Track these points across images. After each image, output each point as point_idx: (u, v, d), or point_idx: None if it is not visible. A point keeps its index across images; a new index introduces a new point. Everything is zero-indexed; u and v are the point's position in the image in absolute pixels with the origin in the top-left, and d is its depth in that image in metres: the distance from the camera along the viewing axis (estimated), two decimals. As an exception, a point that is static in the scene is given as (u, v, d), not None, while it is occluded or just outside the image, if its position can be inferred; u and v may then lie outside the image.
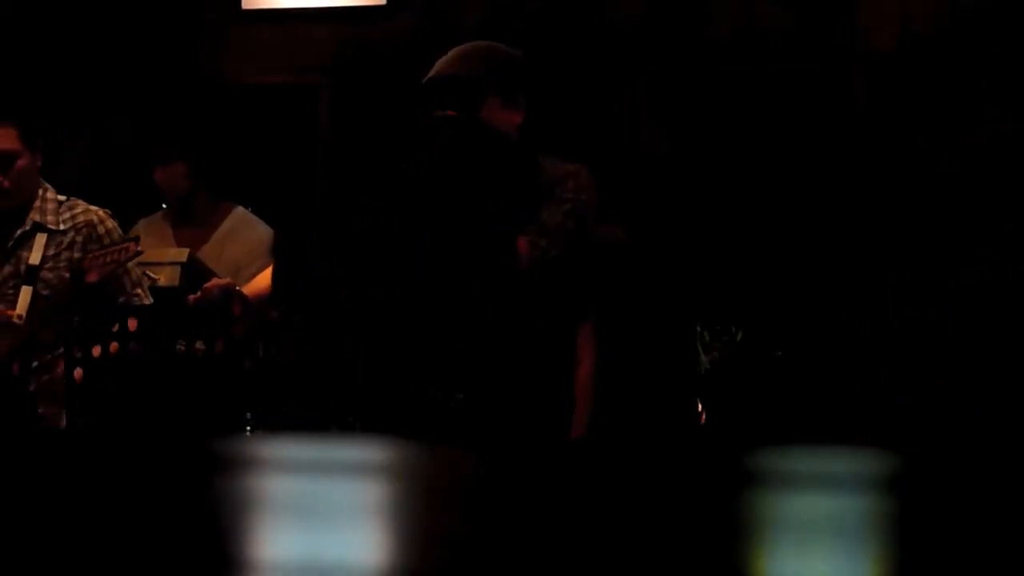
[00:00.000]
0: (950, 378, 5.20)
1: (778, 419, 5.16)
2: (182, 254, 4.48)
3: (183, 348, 3.64)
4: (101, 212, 4.15)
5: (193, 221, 4.75)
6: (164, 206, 4.92)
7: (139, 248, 4.01)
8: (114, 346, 3.60)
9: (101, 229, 4.10)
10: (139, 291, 4.08)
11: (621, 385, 4.24)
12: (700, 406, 4.63)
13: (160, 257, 4.46)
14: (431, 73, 3.56)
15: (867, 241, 5.53)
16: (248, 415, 3.58)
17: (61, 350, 3.84)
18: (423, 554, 1.11)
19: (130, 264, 4.03)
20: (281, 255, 3.38)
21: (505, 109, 3.57)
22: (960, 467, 1.60)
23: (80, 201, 4.15)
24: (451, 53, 3.61)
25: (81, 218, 4.10)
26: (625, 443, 3.60)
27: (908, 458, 1.72)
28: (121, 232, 4.19)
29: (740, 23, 5.72)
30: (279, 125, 6.11)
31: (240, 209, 4.80)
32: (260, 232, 4.68)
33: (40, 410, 4.01)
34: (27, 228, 4.07)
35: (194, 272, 4.41)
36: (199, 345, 3.63)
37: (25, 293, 4.02)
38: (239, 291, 3.90)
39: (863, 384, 5.30)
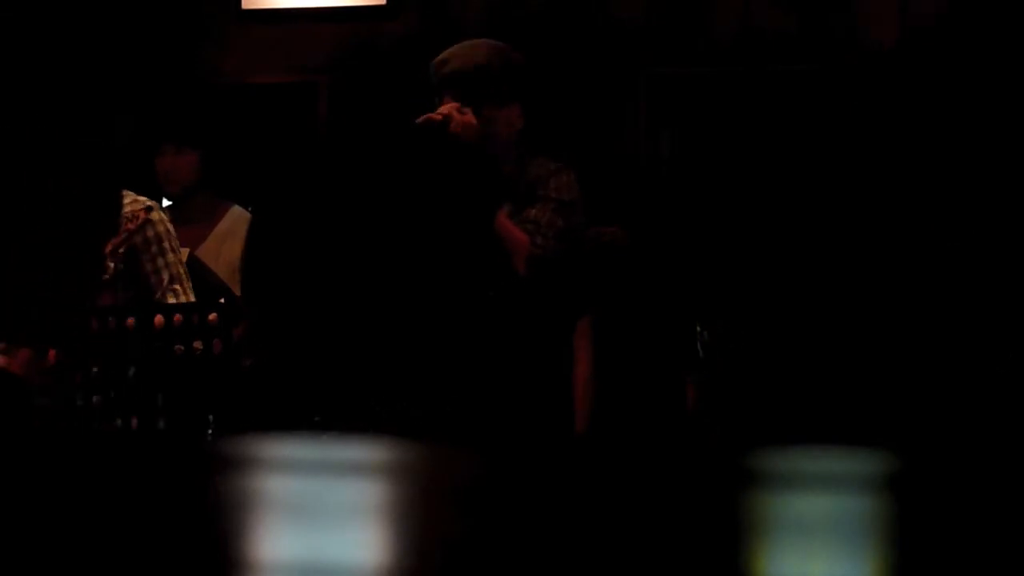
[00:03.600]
0: (952, 378, 5.20)
1: (778, 419, 5.16)
2: (182, 254, 4.48)
3: (181, 348, 3.64)
4: (147, 203, 4.10)
5: (192, 220, 4.74)
6: (165, 204, 4.91)
7: (150, 217, 4.01)
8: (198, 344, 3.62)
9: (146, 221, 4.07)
10: (176, 287, 4.04)
11: (620, 384, 4.24)
12: (696, 401, 4.62)
13: (160, 257, 4.46)
14: (452, 65, 3.49)
15: (867, 241, 5.52)
16: (248, 415, 3.58)
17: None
18: (423, 554, 1.11)
19: (169, 259, 4.04)
20: (258, 266, 3.38)
21: (521, 117, 3.57)
22: (960, 467, 1.60)
23: (129, 192, 4.15)
24: (471, 45, 3.56)
25: (128, 208, 4.09)
26: (625, 443, 3.60)
27: (908, 458, 1.72)
28: (167, 224, 4.11)
29: (740, 23, 5.72)
30: (279, 125, 6.11)
31: (237, 208, 4.79)
32: (259, 232, 4.67)
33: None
34: None
35: (195, 272, 4.41)
36: (197, 345, 3.63)
37: None
38: (230, 292, 3.91)
39: (862, 384, 5.30)
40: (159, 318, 3.59)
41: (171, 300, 3.99)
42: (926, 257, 5.45)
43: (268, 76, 6.07)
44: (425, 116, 3.42)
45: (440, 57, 3.54)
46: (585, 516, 1.24)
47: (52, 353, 3.96)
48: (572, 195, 3.53)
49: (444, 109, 3.43)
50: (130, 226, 4.06)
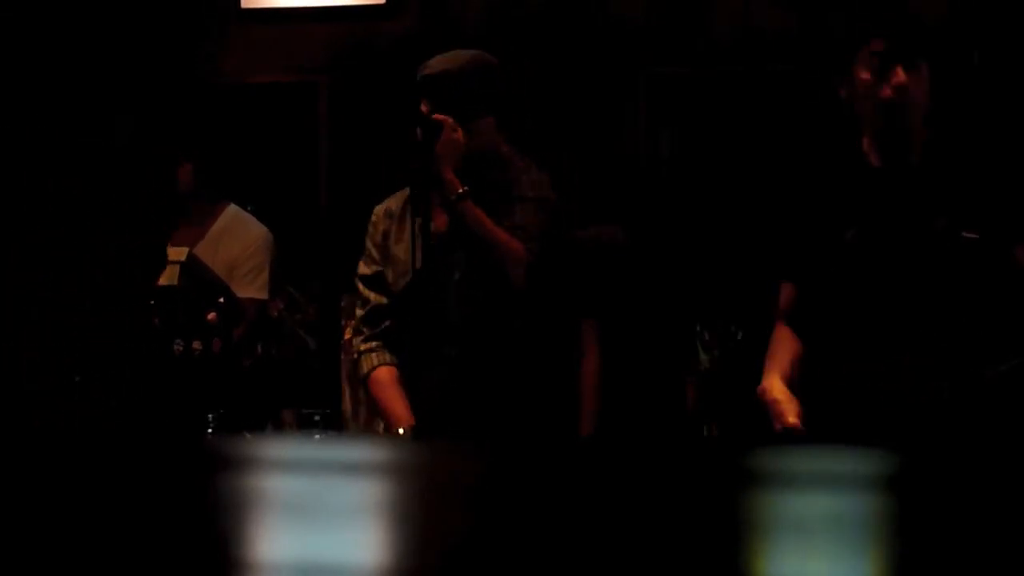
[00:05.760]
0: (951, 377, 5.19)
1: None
2: (181, 253, 4.48)
3: (181, 347, 3.64)
4: None
5: (188, 220, 4.73)
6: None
7: None
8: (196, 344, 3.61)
9: None
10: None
11: (622, 383, 4.24)
12: (696, 401, 4.62)
13: (160, 256, 4.46)
14: (430, 70, 3.52)
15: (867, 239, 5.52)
16: (248, 414, 3.58)
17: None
18: (423, 554, 1.11)
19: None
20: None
21: (499, 132, 3.56)
22: (960, 467, 1.60)
23: None
24: (454, 55, 3.58)
25: None
26: (625, 443, 3.60)
27: (908, 458, 1.72)
28: None
29: (740, 23, 5.72)
30: (278, 124, 6.11)
31: (233, 207, 4.77)
32: (254, 231, 4.67)
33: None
34: None
35: (194, 271, 4.41)
36: (196, 344, 3.63)
37: None
38: (229, 291, 3.90)
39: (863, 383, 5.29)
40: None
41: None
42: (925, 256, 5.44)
43: (268, 76, 6.07)
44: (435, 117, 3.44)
45: (424, 63, 3.56)
46: (585, 516, 1.24)
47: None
48: (547, 192, 3.53)
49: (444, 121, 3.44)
50: None
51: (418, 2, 5.96)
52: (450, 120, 3.44)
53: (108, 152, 5.88)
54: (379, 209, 3.67)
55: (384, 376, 3.53)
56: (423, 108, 3.49)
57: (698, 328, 4.85)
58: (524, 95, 5.48)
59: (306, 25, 6.04)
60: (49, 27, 6.06)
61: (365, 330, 3.59)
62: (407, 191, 3.62)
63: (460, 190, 3.39)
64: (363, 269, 3.63)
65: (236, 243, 4.64)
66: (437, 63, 3.53)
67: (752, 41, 5.70)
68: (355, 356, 3.64)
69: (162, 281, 4.32)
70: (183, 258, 4.44)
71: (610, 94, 5.80)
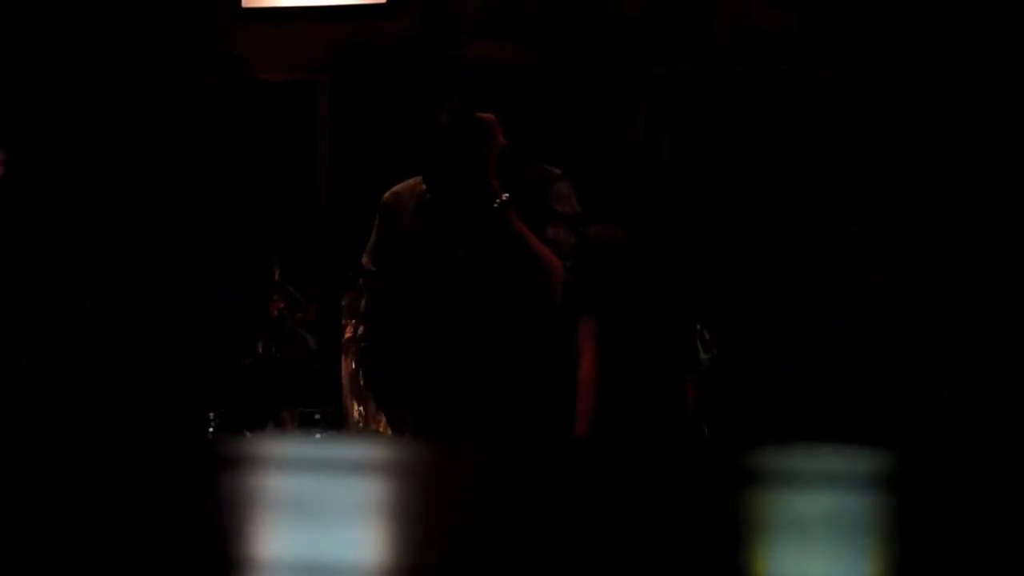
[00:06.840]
0: (949, 377, 5.20)
1: (778, 419, 5.16)
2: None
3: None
4: None
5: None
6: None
7: None
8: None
9: None
10: None
11: (620, 383, 4.24)
12: (696, 401, 4.63)
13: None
14: (476, 60, 3.25)
15: (866, 239, 5.53)
16: (248, 413, 3.58)
17: None
18: (423, 553, 1.11)
19: None
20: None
21: (530, 137, 3.46)
22: (960, 467, 1.60)
23: None
24: (497, 47, 3.36)
25: None
26: (625, 442, 3.60)
27: (908, 457, 1.72)
28: None
29: (740, 23, 5.72)
30: (279, 123, 6.11)
31: (238, 207, 4.78)
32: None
33: None
34: None
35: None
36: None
37: None
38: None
39: (862, 383, 5.30)
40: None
41: None
42: (926, 255, 5.45)
43: (268, 76, 6.07)
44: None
45: (461, 51, 3.32)
46: (585, 516, 1.24)
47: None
48: (576, 206, 3.35)
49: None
50: None
51: (418, 2, 5.96)
52: (494, 119, 3.16)
53: (108, 152, 5.87)
54: (389, 199, 3.40)
55: (381, 384, 3.53)
56: (454, 102, 3.19)
57: (698, 327, 4.84)
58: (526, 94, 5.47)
59: (306, 25, 6.05)
60: (49, 26, 6.06)
61: (364, 332, 3.56)
62: (418, 183, 3.40)
63: (502, 198, 3.12)
64: (368, 264, 3.49)
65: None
66: (480, 54, 3.26)
67: (752, 41, 5.70)
68: (358, 351, 3.63)
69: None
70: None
71: (610, 94, 5.80)
